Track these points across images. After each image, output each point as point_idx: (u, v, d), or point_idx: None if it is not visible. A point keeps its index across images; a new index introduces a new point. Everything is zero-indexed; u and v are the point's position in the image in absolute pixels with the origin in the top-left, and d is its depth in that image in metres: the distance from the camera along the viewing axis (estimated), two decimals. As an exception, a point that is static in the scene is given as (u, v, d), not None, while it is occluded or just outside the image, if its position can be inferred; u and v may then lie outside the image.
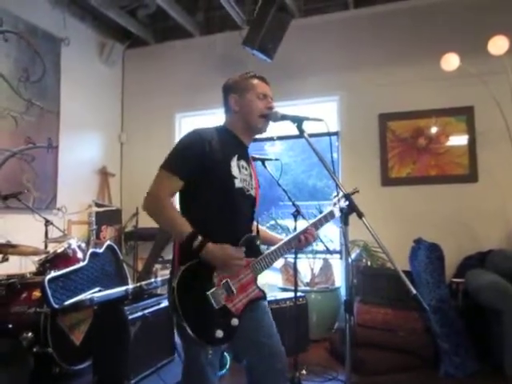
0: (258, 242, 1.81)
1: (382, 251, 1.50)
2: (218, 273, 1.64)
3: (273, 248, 1.81)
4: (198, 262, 1.62)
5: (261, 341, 1.76)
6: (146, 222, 4.98)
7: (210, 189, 1.69)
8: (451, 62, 3.88)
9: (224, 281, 1.65)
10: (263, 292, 1.77)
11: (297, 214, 2.64)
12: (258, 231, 1.86)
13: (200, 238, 1.60)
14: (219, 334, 1.59)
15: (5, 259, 3.12)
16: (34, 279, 3.10)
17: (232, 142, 1.80)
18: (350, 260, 1.69)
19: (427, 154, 4.48)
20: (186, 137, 1.74)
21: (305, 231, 1.85)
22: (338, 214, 1.87)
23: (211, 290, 1.61)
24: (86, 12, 5.01)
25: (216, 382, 1.77)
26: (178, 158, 1.69)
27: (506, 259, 3.70)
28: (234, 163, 1.75)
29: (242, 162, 1.80)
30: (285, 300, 3.73)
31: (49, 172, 4.47)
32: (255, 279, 1.74)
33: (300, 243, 1.84)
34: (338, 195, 1.89)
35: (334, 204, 1.91)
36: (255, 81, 1.83)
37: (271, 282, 4.62)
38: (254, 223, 1.90)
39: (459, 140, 4.41)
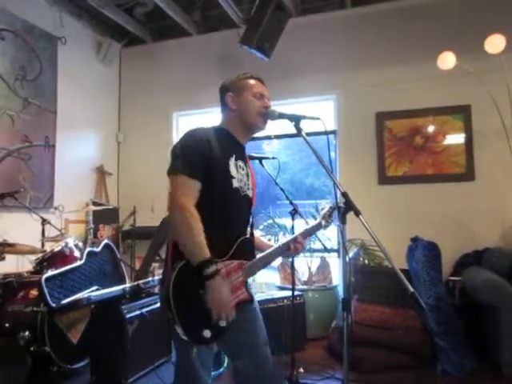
0: (253, 245, 1.82)
1: (380, 250, 1.50)
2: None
3: (265, 253, 1.81)
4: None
5: (247, 343, 1.74)
6: (144, 220, 5.06)
7: (208, 188, 1.67)
8: (447, 60, 3.89)
9: None
10: (251, 295, 1.75)
11: (294, 213, 2.65)
12: (252, 233, 1.85)
13: (215, 266, 1.55)
14: (207, 333, 1.58)
15: (1, 258, 3.11)
16: (31, 278, 3.08)
17: (229, 142, 1.80)
18: (347, 258, 1.70)
19: (424, 152, 4.49)
20: (187, 138, 1.71)
21: (294, 240, 1.88)
22: (324, 224, 2.01)
23: (202, 291, 1.58)
24: (82, 10, 4.99)
25: (208, 380, 1.76)
26: (190, 160, 1.64)
27: (503, 257, 3.72)
28: (232, 163, 1.74)
29: (240, 162, 1.80)
30: (282, 299, 3.73)
31: (46, 171, 4.45)
32: (245, 282, 1.72)
33: (289, 251, 1.87)
34: (326, 209, 2.04)
35: (324, 216, 2.03)
36: (252, 81, 1.84)
37: (269, 280, 4.63)
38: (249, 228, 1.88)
39: (456, 139, 4.42)
